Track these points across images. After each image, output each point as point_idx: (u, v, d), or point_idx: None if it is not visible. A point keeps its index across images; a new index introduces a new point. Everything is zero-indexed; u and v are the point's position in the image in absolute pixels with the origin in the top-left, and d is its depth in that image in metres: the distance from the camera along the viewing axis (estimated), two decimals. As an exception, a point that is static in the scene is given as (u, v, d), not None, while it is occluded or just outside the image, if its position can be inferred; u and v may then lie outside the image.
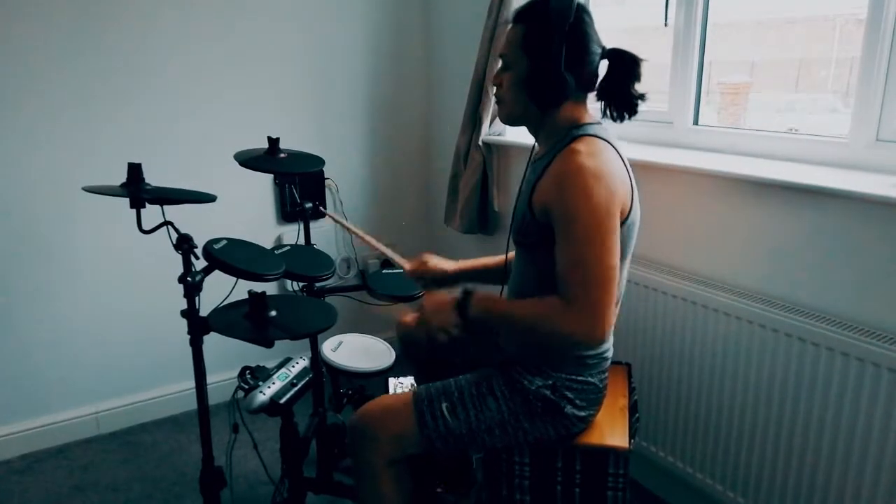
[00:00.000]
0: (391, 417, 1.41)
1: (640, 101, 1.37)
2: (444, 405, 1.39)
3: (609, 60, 1.36)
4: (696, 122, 1.96)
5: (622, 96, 1.36)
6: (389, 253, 1.74)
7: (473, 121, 2.43)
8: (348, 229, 1.68)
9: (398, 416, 1.41)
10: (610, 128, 1.40)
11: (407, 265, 1.73)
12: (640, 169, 1.78)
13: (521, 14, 1.36)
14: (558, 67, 1.28)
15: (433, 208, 2.99)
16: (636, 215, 1.36)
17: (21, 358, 2.27)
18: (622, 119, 1.38)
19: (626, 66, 1.34)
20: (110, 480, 2.18)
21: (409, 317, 1.60)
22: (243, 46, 2.44)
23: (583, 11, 1.31)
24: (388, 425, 1.41)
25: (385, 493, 1.42)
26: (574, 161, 1.25)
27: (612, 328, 1.26)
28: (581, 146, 1.27)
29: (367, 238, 1.77)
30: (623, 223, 1.29)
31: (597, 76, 1.36)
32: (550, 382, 1.38)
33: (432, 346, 1.69)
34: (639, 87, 1.36)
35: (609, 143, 1.33)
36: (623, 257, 1.34)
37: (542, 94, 1.33)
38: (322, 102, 2.66)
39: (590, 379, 1.41)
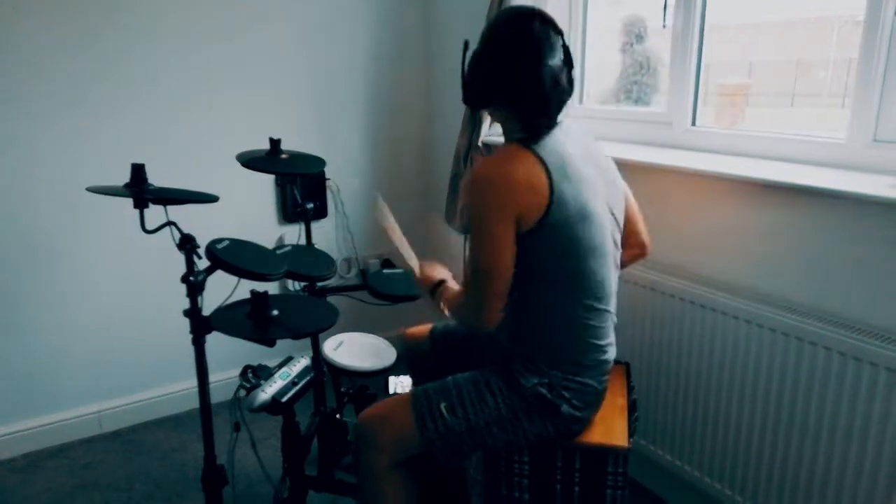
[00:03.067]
0: (390, 421, 1.43)
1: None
2: (442, 404, 1.40)
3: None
4: (694, 123, 1.97)
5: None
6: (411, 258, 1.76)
7: (473, 121, 2.44)
8: (390, 229, 1.68)
9: (397, 419, 1.42)
10: (560, 136, 1.34)
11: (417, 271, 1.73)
12: (638, 170, 1.80)
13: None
14: (473, 72, 1.36)
15: (433, 208, 3.00)
16: (567, 213, 1.29)
17: (24, 357, 2.28)
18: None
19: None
20: (112, 479, 2.19)
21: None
22: (246, 48, 2.45)
23: (531, 33, 1.28)
24: (388, 429, 1.42)
25: (389, 496, 1.43)
26: (473, 168, 1.33)
27: (498, 318, 1.36)
28: (492, 153, 1.32)
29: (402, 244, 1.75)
30: (541, 226, 1.27)
31: (543, 91, 1.30)
32: (546, 381, 1.39)
33: (435, 357, 1.71)
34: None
35: (533, 152, 1.29)
36: (569, 255, 1.31)
37: (466, 93, 1.41)
38: (323, 104, 2.67)
39: (588, 381, 1.41)
